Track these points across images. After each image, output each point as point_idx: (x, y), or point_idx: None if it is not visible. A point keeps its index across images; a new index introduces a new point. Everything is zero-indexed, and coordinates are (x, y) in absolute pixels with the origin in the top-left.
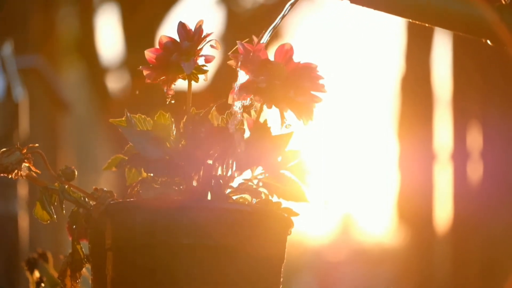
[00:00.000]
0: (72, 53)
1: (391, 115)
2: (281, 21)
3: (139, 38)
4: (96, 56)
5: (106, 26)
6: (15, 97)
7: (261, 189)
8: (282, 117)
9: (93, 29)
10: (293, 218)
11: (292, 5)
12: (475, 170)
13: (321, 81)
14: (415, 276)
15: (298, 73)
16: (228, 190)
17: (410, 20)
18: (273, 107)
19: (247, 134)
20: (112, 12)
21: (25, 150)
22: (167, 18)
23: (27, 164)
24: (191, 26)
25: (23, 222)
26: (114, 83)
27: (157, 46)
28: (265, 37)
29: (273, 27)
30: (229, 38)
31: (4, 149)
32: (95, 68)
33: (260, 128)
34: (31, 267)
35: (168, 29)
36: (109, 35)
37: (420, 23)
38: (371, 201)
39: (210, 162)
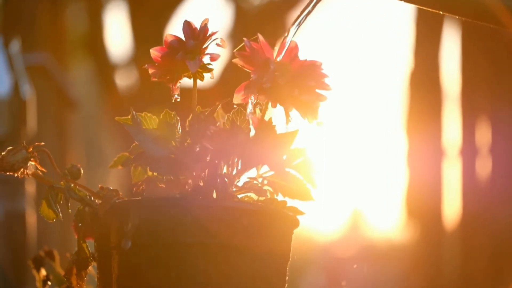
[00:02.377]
0: (79, 50)
1: (400, 111)
2: (305, 18)
3: (147, 34)
4: (103, 53)
5: (114, 23)
6: (23, 94)
7: (266, 188)
8: (287, 116)
9: (101, 26)
10: (301, 215)
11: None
12: (484, 166)
13: (326, 79)
14: (424, 272)
15: (303, 72)
16: (233, 189)
17: (421, 7)
18: (278, 106)
19: (252, 132)
20: (120, 9)
21: (31, 149)
22: (175, 14)
23: (33, 163)
24: (197, 24)
25: (31, 219)
26: (122, 80)
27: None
28: (290, 36)
29: (298, 24)
30: (237, 34)
31: (10, 147)
32: (103, 65)
33: (265, 127)
34: (38, 265)
35: (176, 26)
36: (117, 32)
37: (433, 10)
38: (380, 197)
39: (215, 160)
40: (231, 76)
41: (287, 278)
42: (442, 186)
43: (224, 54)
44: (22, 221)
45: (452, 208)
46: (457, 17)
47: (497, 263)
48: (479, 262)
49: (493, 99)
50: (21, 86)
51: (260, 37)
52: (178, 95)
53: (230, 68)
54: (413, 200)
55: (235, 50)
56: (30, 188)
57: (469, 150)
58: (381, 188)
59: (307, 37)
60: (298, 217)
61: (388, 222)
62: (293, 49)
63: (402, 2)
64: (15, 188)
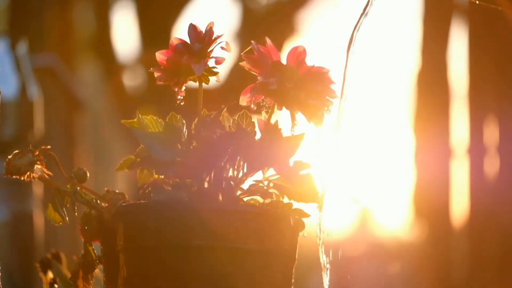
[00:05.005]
0: (87, 51)
1: (407, 110)
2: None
3: (155, 34)
4: (111, 54)
5: (121, 24)
6: (30, 96)
7: (272, 191)
8: (293, 119)
9: (109, 27)
10: (310, 213)
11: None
12: (492, 165)
13: (333, 86)
14: (432, 270)
15: (310, 76)
16: (239, 192)
17: None
18: (284, 109)
19: (258, 135)
20: (127, 9)
21: (37, 152)
22: (183, 14)
23: (39, 166)
24: (202, 27)
25: (38, 220)
26: (130, 80)
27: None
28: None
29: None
30: (244, 34)
31: (17, 150)
32: (110, 66)
33: (271, 130)
34: (45, 268)
35: (183, 26)
36: (124, 32)
37: None
38: (388, 195)
39: (221, 164)
40: (238, 77)
41: (293, 280)
42: (450, 185)
43: (230, 54)
44: (29, 222)
45: (460, 206)
46: None
47: (506, 262)
48: (488, 260)
49: (501, 98)
50: (28, 87)
51: (268, 40)
52: (182, 97)
53: (236, 68)
54: (421, 199)
55: (242, 53)
56: (38, 189)
57: (477, 149)
58: (389, 186)
59: (316, 36)
60: (309, 213)
61: (396, 221)
62: (301, 53)
63: None
64: (23, 189)
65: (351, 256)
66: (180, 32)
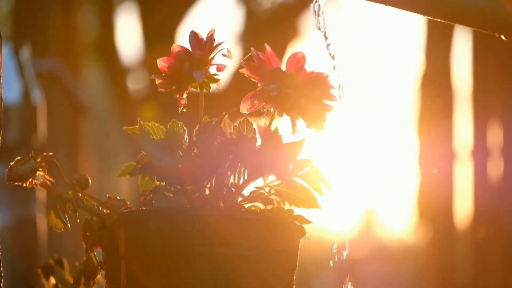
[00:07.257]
0: (91, 55)
1: (412, 112)
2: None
3: (159, 38)
4: (115, 58)
5: (125, 28)
6: (33, 100)
7: (273, 197)
8: (294, 125)
9: (112, 31)
10: (314, 215)
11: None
12: (496, 167)
13: (332, 91)
14: (436, 273)
15: (310, 82)
16: (240, 199)
17: (433, 18)
18: (285, 115)
19: (258, 142)
20: (131, 13)
21: (39, 159)
22: (187, 17)
23: (41, 173)
24: (203, 34)
25: (42, 225)
26: (134, 84)
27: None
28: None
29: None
30: (248, 37)
31: (19, 157)
32: (114, 70)
33: (271, 136)
34: (47, 274)
35: (187, 29)
36: (128, 36)
37: (435, 19)
38: (392, 198)
39: (222, 170)
40: (241, 81)
41: (294, 287)
42: (454, 187)
43: (235, 56)
44: (32, 227)
45: (463, 209)
46: (466, 26)
47: (509, 264)
48: (491, 262)
49: (504, 100)
50: (31, 92)
51: (267, 47)
52: (184, 104)
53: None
54: (425, 201)
55: (242, 60)
56: (41, 194)
57: (480, 151)
58: (393, 189)
59: (316, 39)
60: (313, 215)
61: (401, 223)
62: (300, 59)
63: (414, 13)
64: (26, 194)
65: (356, 258)
66: (183, 35)
